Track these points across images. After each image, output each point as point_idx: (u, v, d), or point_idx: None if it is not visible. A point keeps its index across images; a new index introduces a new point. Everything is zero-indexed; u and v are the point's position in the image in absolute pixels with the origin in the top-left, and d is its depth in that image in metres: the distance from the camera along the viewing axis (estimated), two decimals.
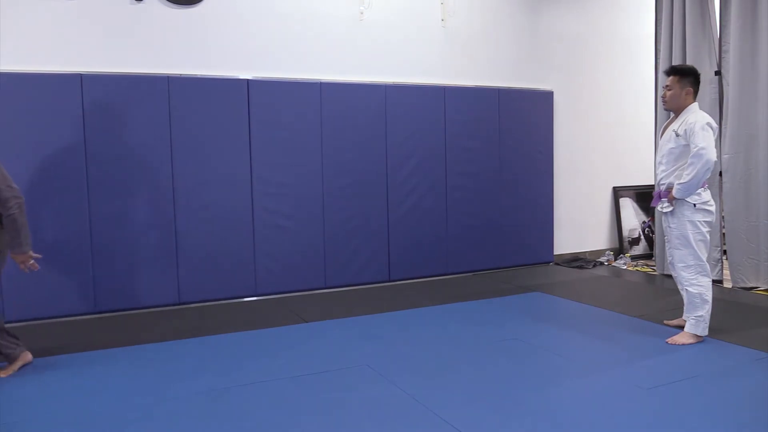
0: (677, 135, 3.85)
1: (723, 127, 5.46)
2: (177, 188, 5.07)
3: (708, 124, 3.77)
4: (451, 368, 3.50)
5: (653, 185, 5.02)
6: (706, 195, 3.85)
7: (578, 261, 6.87)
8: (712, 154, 3.72)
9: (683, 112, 3.91)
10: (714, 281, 4.98)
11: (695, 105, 3.92)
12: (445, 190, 6.12)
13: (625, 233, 7.28)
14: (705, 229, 3.86)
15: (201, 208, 5.16)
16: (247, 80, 5.27)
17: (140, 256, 4.98)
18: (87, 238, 4.82)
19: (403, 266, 5.98)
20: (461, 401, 3.02)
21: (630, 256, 7.11)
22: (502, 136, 6.39)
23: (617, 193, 7.32)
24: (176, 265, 5.10)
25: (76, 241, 4.79)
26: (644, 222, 7.36)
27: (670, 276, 5.21)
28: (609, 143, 7.22)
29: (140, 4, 5.01)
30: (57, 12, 4.77)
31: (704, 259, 3.87)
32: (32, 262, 3.54)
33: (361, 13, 5.79)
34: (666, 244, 4.19)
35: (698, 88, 3.97)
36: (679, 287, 4.09)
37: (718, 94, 5.54)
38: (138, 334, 4.34)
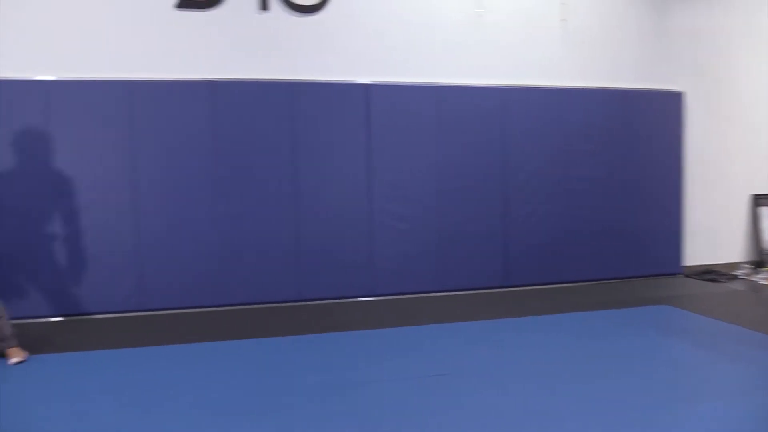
0: None
1: None
2: (300, 189, 5.27)
3: None
4: (567, 379, 3.37)
5: None
6: None
7: (710, 274, 6.40)
8: None
9: None
10: None
11: None
12: (563, 194, 5.93)
13: (765, 245, 6.70)
14: None
15: (322, 209, 5.33)
16: (367, 85, 5.38)
17: (264, 252, 5.23)
18: (214, 235, 5.12)
19: (518, 272, 5.85)
20: (575, 414, 2.90)
21: None
22: (625, 139, 6.10)
23: (756, 201, 6.76)
24: (297, 262, 5.30)
25: (204, 237, 5.11)
26: None
27: None
28: (747, 148, 6.68)
29: (267, 13, 5.26)
30: (189, 21, 5.12)
31: None
32: None
33: (479, 15, 5.75)
34: None
35: None
36: None
37: None
38: (260, 328, 4.54)
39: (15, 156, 4.76)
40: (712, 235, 6.61)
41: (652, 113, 6.19)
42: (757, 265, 6.67)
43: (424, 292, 5.60)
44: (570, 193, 5.95)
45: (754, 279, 6.24)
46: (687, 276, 6.35)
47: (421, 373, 3.49)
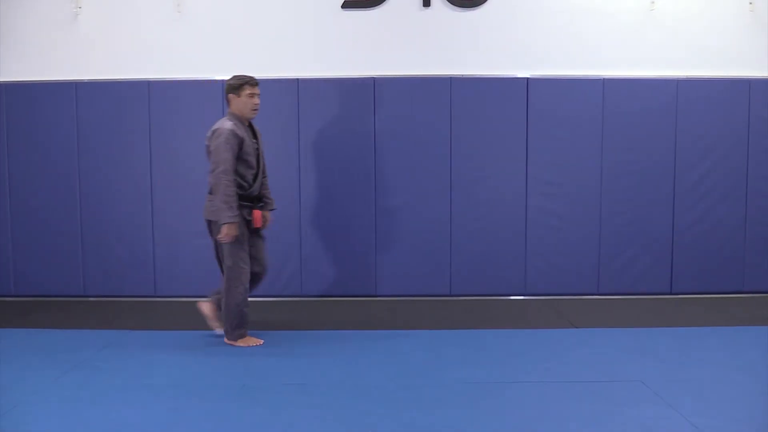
0: None
1: None
2: (454, 184, 5.29)
3: None
4: (743, 399, 3.07)
5: None
6: None
7: None
8: None
9: None
10: None
11: None
12: (745, 196, 5.38)
13: None
14: None
15: (476, 205, 5.31)
16: (527, 79, 5.26)
17: (415, 246, 5.32)
18: (371, 228, 5.30)
19: (688, 279, 5.41)
20: None
21: None
22: None
23: None
24: (449, 257, 5.33)
25: (362, 229, 5.31)
26: None
27: None
28: None
29: (428, 9, 5.31)
30: (354, 20, 5.30)
31: None
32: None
33: (652, 2, 5.37)
34: None
35: None
36: None
37: None
38: (413, 320, 4.64)
39: (197, 149, 5.27)
40: None
41: None
42: None
43: (582, 295, 5.38)
44: (754, 194, 5.38)
45: None
46: None
47: (571, 378, 3.36)
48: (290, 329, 4.42)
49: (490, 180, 5.31)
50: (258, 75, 5.16)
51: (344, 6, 5.29)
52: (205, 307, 4.18)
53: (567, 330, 4.37)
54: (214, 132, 3.87)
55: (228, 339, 4.00)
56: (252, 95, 3.94)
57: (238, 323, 3.96)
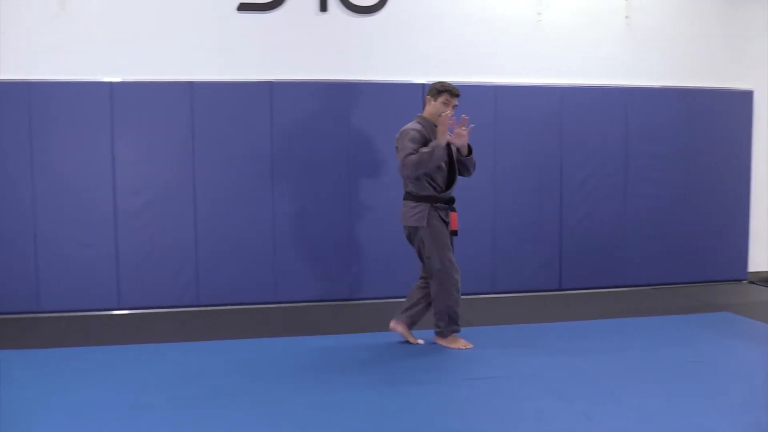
0: None
1: None
2: (353, 188, 5.33)
3: None
4: (627, 387, 3.29)
5: None
6: None
7: None
8: None
9: None
10: None
11: None
12: (624, 197, 5.79)
13: None
14: None
15: (376, 207, 5.36)
16: (423, 85, 5.37)
17: (319, 249, 5.32)
18: (271, 233, 5.25)
19: (575, 275, 5.75)
20: (636, 423, 2.84)
21: None
22: (691, 141, 5.90)
23: None
24: (350, 260, 5.36)
25: (262, 235, 5.24)
26: None
27: None
28: None
29: (325, 14, 5.32)
30: (250, 23, 5.22)
31: None
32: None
33: (539, 14, 5.66)
34: None
35: None
36: None
37: None
38: (309, 326, 4.62)
39: (82, 154, 5.00)
40: None
41: (718, 113, 5.98)
42: None
43: (477, 294, 5.55)
44: (632, 195, 5.80)
45: None
46: (752, 282, 6.11)
47: (472, 375, 3.48)
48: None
49: (386, 183, 5.33)
50: (150, 78, 5.05)
51: (240, 8, 5.19)
52: (399, 326, 4.09)
53: (466, 329, 4.42)
54: (401, 132, 3.88)
55: (440, 339, 4.03)
56: (446, 104, 3.91)
57: (450, 323, 3.98)
